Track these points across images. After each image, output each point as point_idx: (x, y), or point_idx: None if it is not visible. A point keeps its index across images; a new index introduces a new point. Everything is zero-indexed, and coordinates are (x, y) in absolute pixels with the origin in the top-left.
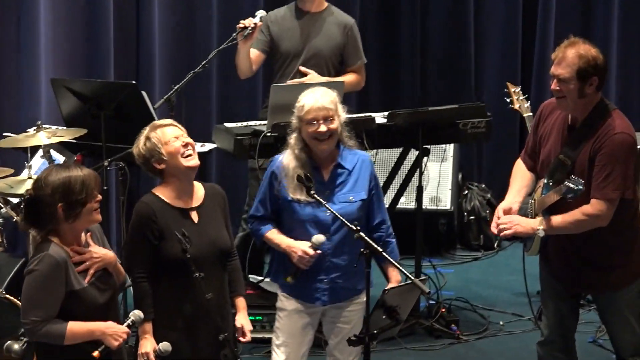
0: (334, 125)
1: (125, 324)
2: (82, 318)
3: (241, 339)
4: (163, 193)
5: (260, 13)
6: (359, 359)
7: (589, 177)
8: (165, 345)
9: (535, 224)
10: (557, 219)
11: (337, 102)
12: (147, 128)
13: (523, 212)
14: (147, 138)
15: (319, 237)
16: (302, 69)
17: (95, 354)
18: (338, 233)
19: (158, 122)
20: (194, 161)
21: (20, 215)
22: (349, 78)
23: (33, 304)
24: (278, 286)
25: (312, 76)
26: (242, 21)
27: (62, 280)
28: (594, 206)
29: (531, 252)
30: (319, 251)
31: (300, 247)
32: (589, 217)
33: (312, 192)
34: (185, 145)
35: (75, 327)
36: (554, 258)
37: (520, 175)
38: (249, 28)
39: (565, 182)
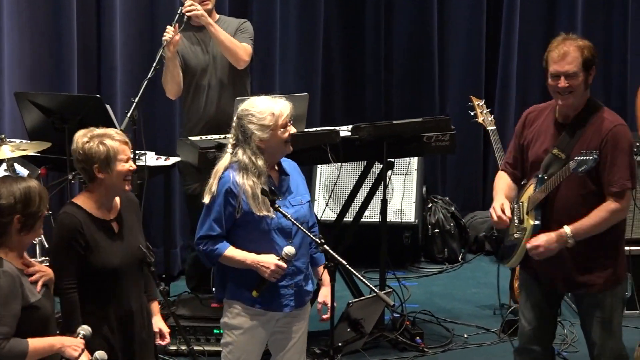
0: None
1: (79, 336)
2: (39, 332)
3: (161, 342)
4: (85, 203)
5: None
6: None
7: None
8: (101, 354)
9: (564, 236)
10: (580, 225)
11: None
12: (101, 130)
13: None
14: (103, 143)
15: (290, 249)
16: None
17: None
18: (297, 237)
19: (115, 132)
20: (129, 186)
21: None
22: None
23: None
24: (238, 301)
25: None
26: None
27: (19, 295)
28: (615, 200)
29: (513, 262)
30: (289, 263)
31: (271, 262)
32: (614, 212)
33: (277, 205)
34: (131, 171)
35: (36, 342)
36: (539, 262)
37: (504, 182)
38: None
39: (575, 158)
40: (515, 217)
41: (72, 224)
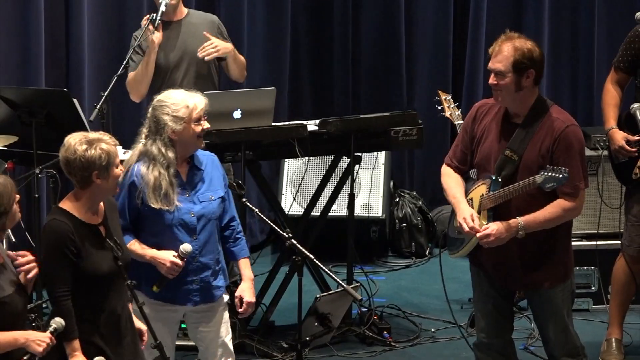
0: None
1: (48, 331)
2: (6, 328)
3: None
4: (72, 208)
5: (164, 1)
6: (225, 353)
7: (539, 171)
8: None
9: (515, 227)
10: (533, 218)
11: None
12: (94, 134)
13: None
14: (102, 148)
15: (186, 247)
16: (206, 34)
17: None
18: (203, 233)
19: (108, 137)
20: (117, 189)
21: None
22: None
23: None
24: (142, 293)
25: (217, 42)
26: (146, 16)
27: None
28: (569, 200)
29: (459, 254)
30: (185, 260)
31: (168, 258)
32: (568, 210)
33: (244, 199)
34: (121, 173)
35: (1, 336)
36: (489, 259)
37: (456, 183)
38: (158, 15)
39: (543, 173)
40: None
41: (63, 230)
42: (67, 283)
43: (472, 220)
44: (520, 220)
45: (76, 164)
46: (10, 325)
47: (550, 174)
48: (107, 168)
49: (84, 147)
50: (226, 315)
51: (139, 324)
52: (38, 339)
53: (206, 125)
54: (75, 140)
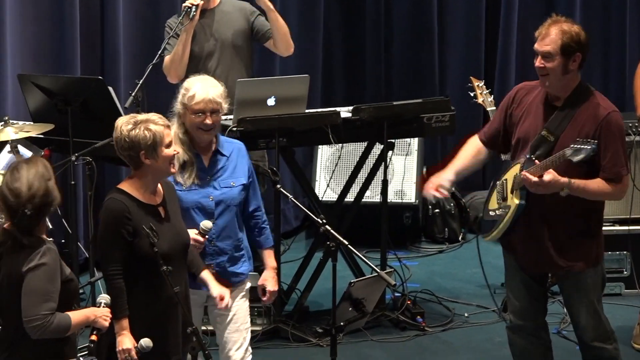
0: (219, 117)
1: (102, 305)
2: (71, 304)
3: (221, 305)
4: (131, 189)
5: None
6: (245, 349)
7: None
8: (146, 342)
9: (563, 183)
10: (583, 184)
11: (225, 95)
12: (143, 115)
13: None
14: (148, 128)
15: (206, 223)
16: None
17: (94, 337)
18: (221, 218)
19: (158, 117)
20: (174, 170)
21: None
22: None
23: (45, 298)
24: None
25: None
26: (185, 3)
27: (59, 270)
28: (611, 184)
29: (492, 237)
30: (207, 237)
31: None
32: (613, 191)
33: (278, 186)
34: (175, 154)
35: (74, 315)
36: (521, 244)
37: (468, 151)
38: (194, 7)
39: (572, 145)
40: (497, 194)
41: (119, 209)
42: (120, 262)
43: (436, 189)
44: (571, 180)
45: (122, 144)
46: (73, 301)
47: (578, 145)
48: (155, 148)
49: (130, 127)
50: (246, 304)
51: (218, 290)
52: (104, 314)
53: (208, 120)
54: (123, 122)
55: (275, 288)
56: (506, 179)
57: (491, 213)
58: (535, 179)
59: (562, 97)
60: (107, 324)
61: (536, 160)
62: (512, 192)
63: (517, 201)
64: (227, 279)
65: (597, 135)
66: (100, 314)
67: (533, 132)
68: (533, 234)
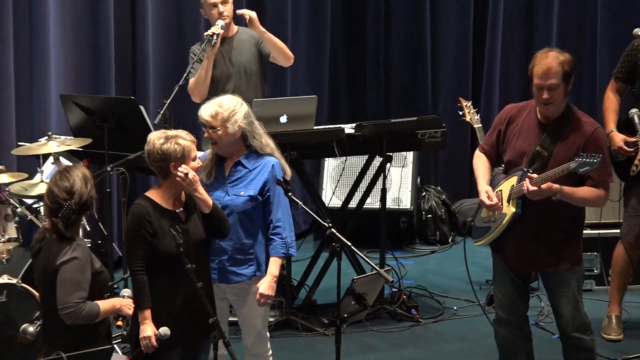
0: (216, 134)
1: (125, 297)
2: (101, 294)
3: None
4: (156, 196)
5: (220, 23)
6: (255, 336)
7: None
8: (164, 330)
9: (555, 190)
10: (572, 191)
11: (223, 117)
12: (173, 132)
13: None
14: (177, 143)
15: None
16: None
17: (120, 322)
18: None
19: (185, 133)
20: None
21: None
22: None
23: (77, 287)
24: None
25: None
26: (208, 32)
27: (90, 263)
28: (598, 191)
29: (484, 242)
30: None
31: None
32: (600, 197)
33: (290, 194)
34: (200, 167)
35: (103, 304)
36: (513, 247)
37: (484, 166)
38: (215, 36)
39: (577, 159)
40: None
41: (141, 213)
42: (142, 259)
43: (490, 198)
44: (562, 187)
45: (154, 156)
46: (105, 290)
47: (584, 159)
48: (183, 160)
49: (162, 141)
50: (255, 304)
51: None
52: (128, 304)
53: (206, 134)
54: (155, 136)
55: (265, 291)
56: (501, 190)
57: (484, 220)
58: (534, 188)
59: (552, 117)
60: (130, 312)
61: (534, 175)
62: (508, 202)
63: (513, 209)
64: (226, 276)
65: (587, 148)
66: (125, 303)
67: (527, 148)
68: (526, 238)
